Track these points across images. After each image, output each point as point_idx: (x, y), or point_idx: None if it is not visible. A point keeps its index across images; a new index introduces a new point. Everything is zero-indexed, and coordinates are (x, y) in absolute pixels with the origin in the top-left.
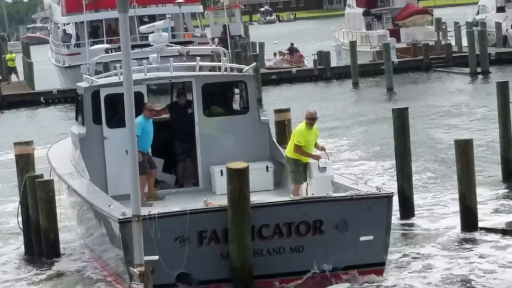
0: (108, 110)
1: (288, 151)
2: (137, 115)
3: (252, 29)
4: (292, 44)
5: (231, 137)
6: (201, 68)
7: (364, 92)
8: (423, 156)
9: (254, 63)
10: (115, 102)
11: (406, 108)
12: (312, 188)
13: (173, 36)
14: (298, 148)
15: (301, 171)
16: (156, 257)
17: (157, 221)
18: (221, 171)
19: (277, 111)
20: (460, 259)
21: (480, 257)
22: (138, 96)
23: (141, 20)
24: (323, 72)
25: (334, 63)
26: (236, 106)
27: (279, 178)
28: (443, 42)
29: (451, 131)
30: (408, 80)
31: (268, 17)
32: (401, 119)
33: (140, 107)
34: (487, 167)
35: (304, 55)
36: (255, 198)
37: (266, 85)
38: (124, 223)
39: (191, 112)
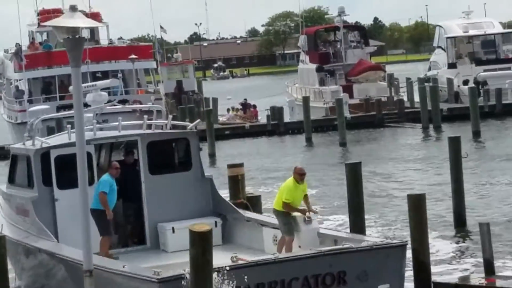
0: (59, 171)
1: (276, 205)
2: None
3: (205, 85)
4: (245, 99)
5: (175, 194)
6: (149, 126)
7: (318, 148)
8: (377, 210)
9: (198, 120)
10: (65, 163)
11: (359, 163)
12: (299, 241)
13: (126, 92)
14: (286, 206)
15: (292, 223)
16: None
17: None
18: (173, 228)
19: (230, 166)
20: None
21: None
22: (87, 157)
23: (94, 76)
24: (277, 127)
25: (287, 118)
26: (179, 163)
27: (227, 233)
28: (395, 98)
29: (404, 185)
30: (361, 135)
31: (221, 73)
32: (354, 173)
33: (88, 169)
34: (440, 220)
35: (258, 110)
36: None
37: (219, 140)
38: (164, 282)
39: (138, 170)
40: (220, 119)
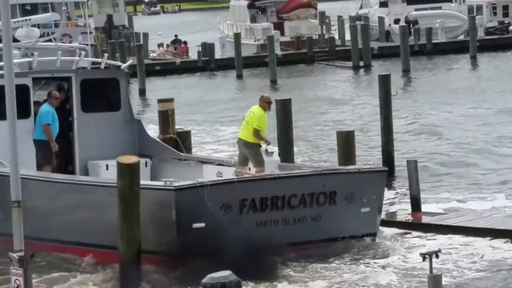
0: None
1: (249, 137)
2: (22, 109)
3: (136, 20)
4: (176, 35)
5: (104, 134)
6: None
7: (248, 84)
8: (306, 146)
9: (131, 60)
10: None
11: (289, 100)
12: (261, 172)
13: (56, 25)
14: (257, 133)
15: (262, 154)
16: (202, 224)
17: (208, 189)
18: (107, 165)
19: (161, 101)
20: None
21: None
22: (24, 89)
23: (23, 9)
24: (207, 63)
25: (218, 55)
26: (109, 103)
27: (159, 173)
28: (326, 36)
29: (333, 122)
30: (292, 72)
31: (152, 8)
32: (284, 109)
33: (24, 101)
34: (369, 158)
35: (189, 46)
36: None
37: (150, 76)
38: (180, 190)
39: (69, 108)
40: (151, 55)
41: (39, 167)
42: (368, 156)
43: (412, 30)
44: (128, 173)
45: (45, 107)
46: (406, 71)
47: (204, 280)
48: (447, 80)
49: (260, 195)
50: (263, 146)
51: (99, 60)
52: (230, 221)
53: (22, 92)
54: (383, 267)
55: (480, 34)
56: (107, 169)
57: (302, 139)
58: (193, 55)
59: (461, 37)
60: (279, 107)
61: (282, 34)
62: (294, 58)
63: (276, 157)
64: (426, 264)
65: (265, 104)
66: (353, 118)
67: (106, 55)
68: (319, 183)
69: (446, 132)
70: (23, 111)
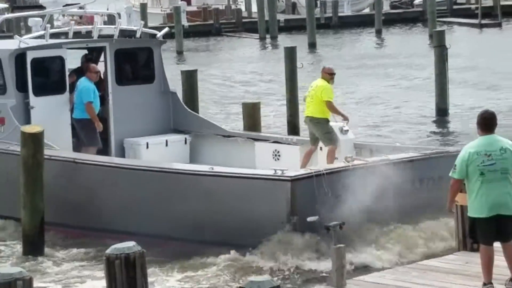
0: (35, 75)
1: (316, 112)
2: (57, 83)
3: None
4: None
5: (138, 108)
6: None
7: None
8: (211, 118)
9: (166, 29)
10: (41, 67)
11: (195, 70)
12: (336, 152)
13: None
14: (331, 105)
15: (334, 131)
16: (316, 218)
17: (325, 177)
18: (147, 143)
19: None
20: None
21: None
22: (59, 61)
23: None
24: None
25: (124, 25)
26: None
27: (201, 151)
28: (233, 7)
29: (240, 93)
30: (198, 44)
31: None
32: (189, 81)
33: (60, 74)
34: (275, 130)
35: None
36: None
37: None
38: (296, 180)
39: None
40: (56, 24)
41: (84, 148)
42: (275, 128)
43: (318, 2)
44: (32, 142)
45: (84, 83)
46: (312, 44)
47: (108, 251)
48: (352, 53)
49: (375, 181)
50: (335, 123)
51: (134, 28)
52: (342, 213)
53: (57, 64)
54: None
55: (386, 7)
56: (147, 147)
57: (208, 110)
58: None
59: (367, 11)
60: (184, 79)
61: (189, 4)
62: (201, 29)
63: (351, 135)
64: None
65: (327, 75)
66: (259, 90)
67: (142, 22)
68: (429, 167)
69: (349, 105)
70: (59, 86)
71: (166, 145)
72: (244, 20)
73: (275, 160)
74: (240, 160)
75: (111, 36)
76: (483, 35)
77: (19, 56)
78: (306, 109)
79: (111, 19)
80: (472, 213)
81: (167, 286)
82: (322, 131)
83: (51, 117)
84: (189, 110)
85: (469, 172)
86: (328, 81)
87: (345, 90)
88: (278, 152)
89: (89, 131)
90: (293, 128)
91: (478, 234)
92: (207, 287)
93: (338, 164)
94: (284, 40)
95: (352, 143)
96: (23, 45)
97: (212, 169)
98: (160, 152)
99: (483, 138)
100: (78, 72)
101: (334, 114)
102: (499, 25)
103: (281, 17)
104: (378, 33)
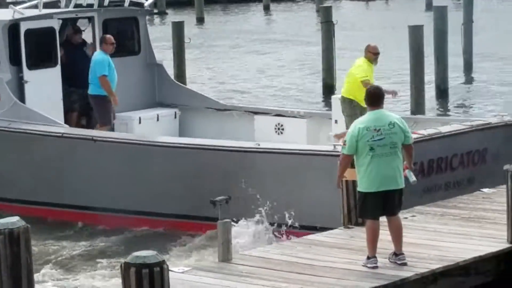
0: (28, 48)
1: (344, 91)
2: (48, 55)
3: None
4: None
5: (126, 82)
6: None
7: None
8: None
9: None
10: (34, 39)
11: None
12: None
13: None
14: (367, 84)
15: (358, 115)
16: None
17: None
18: (140, 118)
19: None
20: None
21: None
22: (50, 33)
23: None
24: None
25: None
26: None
27: (192, 124)
28: None
29: None
30: None
31: None
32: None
33: (51, 46)
34: None
35: None
36: None
37: None
38: None
39: (87, 52)
40: None
41: (96, 126)
42: None
43: None
44: None
45: (99, 55)
46: (200, 19)
47: None
48: (240, 29)
49: (428, 157)
50: None
51: None
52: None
53: (48, 36)
54: None
55: None
56: (140, 122)
57: None
58: None
59: None
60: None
61: None
62: None
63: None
64: None
65: (371, 55)
66: None
67: None
68: (475, 139)
69: (236, 79)
70: (51, 59)
71: (158, 119)
72: None
73: (278, 134)
74: (237, 135)
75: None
76: (369, 10)
77: (12, 27)
78: None
79: None
80: (362, 188)
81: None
82: (345, 113)
83: (44, 91)
84: (177, 82)
85: (359, 148)
86: (371, 61)
87: (234, 64)
88: (282, 125)
89: (102, 109)
90: None
91: (367, 208)
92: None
93: None
94: (172, 15)
95: None
96: (17, 16)
97: (259, 145)
98: (152, 127)
99: (372, 113)
100: (67, 45)
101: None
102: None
103: None
104: (266, 8)
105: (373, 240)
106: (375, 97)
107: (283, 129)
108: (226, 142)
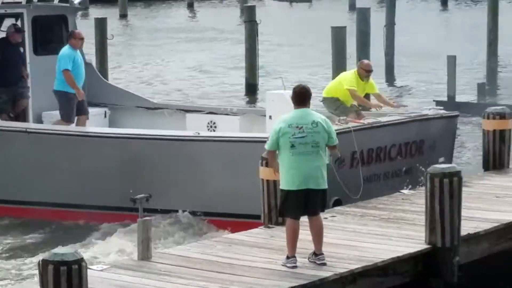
0: None
1: (327, 91)
2: None
3: None
4: None
5: (54, 81)
6: None
7: None
8: None
9: None
10: None
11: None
12: None
13: None
14: (354, 95)
15: (341, 107)
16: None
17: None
18: None
19: None
20: None
21: None
22: None
23: None
24: None
25: None
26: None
27: (122, 122)
28: None
29: None
30: None
31: None
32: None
33: None
34: None
35: None
36: None
37: None
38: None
39: (23, 52)
40: None
41: (57, 121)
42: None
43: None
44: None
45: (64, 50)
46: (123, 15)
47: None
48: (163, 26)
49: (368, 146)
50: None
51: None
52: (342, 178)
53: None
54: None
55: None
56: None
57: None
58: None
59: None
60: None
61: None
62: None
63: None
64: None
65: (363, 72)
66: None
67: None
68: (413, 130)
69: (161, 77)
70: None
71: (87, 118)
72: None
73: (211, 132)
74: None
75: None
76: (293, 10)
77: None
78: None
79: None
80: (283, 185)
81: None
82: (329, 110)
83: None
84: (107, 81)
85: (281, 144)
86: (361, 77)
87: (156, 62)
88: (214, 123)
89: (64, 105)
90: None
91: (288, 207)
92: None
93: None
94: (96, 11)
95: None
96: None
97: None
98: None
99: (296, 111)
100: (3, 43)
101: (364, 103)
102: (309, 0)
103: None
104: (190, 6)
105: (292, 239)
106: (301, 96)
107: (215, 127)
108: (153, 131)
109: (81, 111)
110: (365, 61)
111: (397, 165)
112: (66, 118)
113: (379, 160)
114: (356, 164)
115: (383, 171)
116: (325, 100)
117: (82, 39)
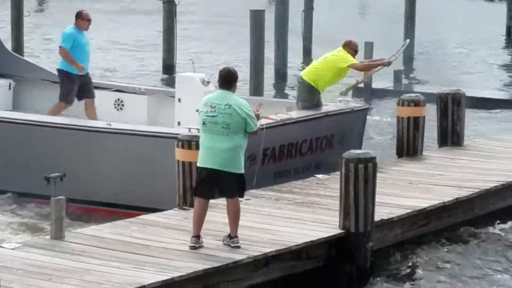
0: None
1: (308, 72)
2: None
3: None
4: None
5: None
6: None
7: None
8: None
9: None
10: None
11: None
12: None
13: None
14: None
15: (314, 101)
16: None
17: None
18: None
19: None
20: None
21: None
22: None
23: None
24: None
25: None
26: None
27: (27, 98)
28: None
29: None
30: None
31: None
32: None
33: None
34: None
35: None
36: None
37: None
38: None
39: None
40: None
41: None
42: None
43: None
44: None
45: (67, 30)
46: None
47: None
48: (82, 4)
49: (279, 142)
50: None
51: None
52: (254, 175)
53: None
54: None
55: None
56: None
57: None
58: None
59: None
60: None
61: None
62: None
63: (212, 87)
64: None
65: (352, 51)
66: None
67: None
68: (324, 125)
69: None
70: None
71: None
72: None
73: (118, 110)
74: (72, 110)
75: None
76: None
77: None
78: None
79: None
80: (199, 162)
81: None
82: (300, 97)
83: None
84: (12, 53)
85: (198, 121)
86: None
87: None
88: (122, 101)
89: (63, 85)
90: None
91: (198, 185)
92: None
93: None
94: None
95: None
96: None
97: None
98: None
99: (218, 92)
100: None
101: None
102: None
103: None
104: None
105: (197, 219)
106: (224, 78)
107: (123, 105)
108: (58, 119)
109: (88, 94)
110: (353, 41)
111: (307, 161)
112: (63, 98)
113: (290, 156)
114: (267, 161)
115: (293, 167)
116: (303, 82)
117: (89, 20)
